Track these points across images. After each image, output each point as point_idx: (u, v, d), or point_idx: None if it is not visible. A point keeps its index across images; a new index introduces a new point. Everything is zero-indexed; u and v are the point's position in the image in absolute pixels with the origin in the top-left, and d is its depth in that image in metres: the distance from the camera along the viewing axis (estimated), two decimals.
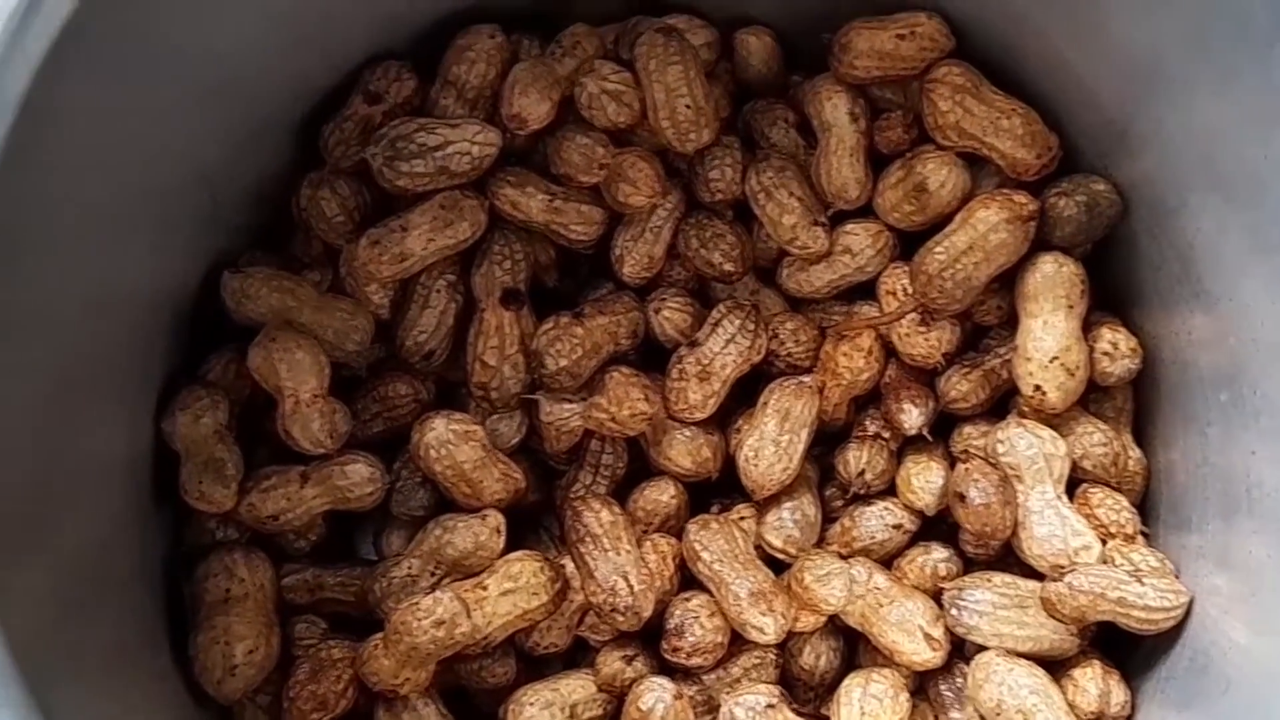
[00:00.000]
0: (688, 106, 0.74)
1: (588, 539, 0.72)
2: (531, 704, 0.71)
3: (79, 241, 0.59)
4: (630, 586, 0.71)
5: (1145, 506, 0.74)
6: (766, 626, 0.70)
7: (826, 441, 0.78)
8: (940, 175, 0.73)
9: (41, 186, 0.54)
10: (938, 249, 0.72)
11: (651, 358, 0.78)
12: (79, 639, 0.59)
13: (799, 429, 0.74)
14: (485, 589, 0.70)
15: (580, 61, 0.75)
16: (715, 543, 0.73)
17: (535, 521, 0.79)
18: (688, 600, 0.73)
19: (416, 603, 0.68)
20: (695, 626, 0.71)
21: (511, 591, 0.71)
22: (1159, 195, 0.69)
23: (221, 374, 0.74)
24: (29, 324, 0.56)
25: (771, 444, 0.73)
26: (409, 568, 0.73)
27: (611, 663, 0.73)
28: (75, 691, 0.54)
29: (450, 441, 0.72)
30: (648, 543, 0.74)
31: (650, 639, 0.74)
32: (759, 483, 0.73)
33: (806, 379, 0.75)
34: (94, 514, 0.65)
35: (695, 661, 0.71)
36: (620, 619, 0.71)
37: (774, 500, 0.74)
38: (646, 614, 0.71)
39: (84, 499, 0.64)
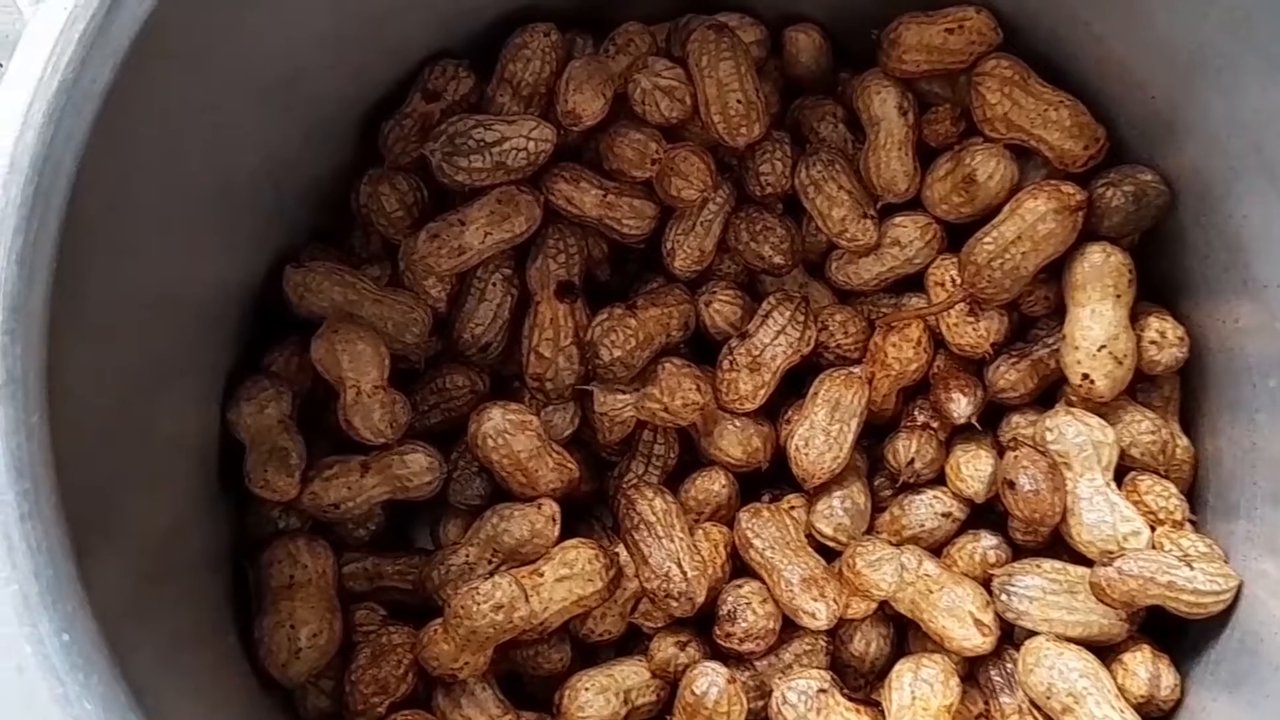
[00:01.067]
0: (739, 101, 0.75)
1: (641, 526, 0.74)
2: (587, 689, 0.73)
3: (156, 235, 0.61)
4: (684, 572, 0.72)
5: (1193, 494, 0.75)
6: (819, 612, 0.71)
7: (875, 433, 0.79)
8: (989, 167, 0.74)
9: (122, 180, 0.56)
10: (986, 239, 0.73)
11: (702, 352, 0.80)
12: (152, 619, 0.60)
13: (849, 418, 0.75)
14: (542, 575, 0.72)
15: (633, 59, 0.76)
16: (767, 530, 0.74)
17: (587, 512, 0.81)
18: (740, 587, 0.74)
19: (476, 587, 0.70)
20: (748, 613, 0.72)
21: (567, 578, 0.72)
22: (1206, 184, 0.70)
23: (285, 366, 0.76)
24: (108, 316, 0.58)
25: (822, 433, 0.74)
26: (466, 555, 0.74)
27: (665, 649, 0.74)
28: (151, 669, 0.56)
29: (507, 431, 0.74)
30: (699, 531, 0.76)
31: (703, 627, 0.75)
32: (809, 471, 0.74)
33: (856, 369, 0.76)
34: (166, 500, 0.67)
35: (747, 647, 0.72)
36: (674, 605, 0.72)
37: (824, 489, 0.76)
38: (700, 599, 0.73)
39: (157, 485, 0.66)
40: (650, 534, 0.73)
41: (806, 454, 0.74)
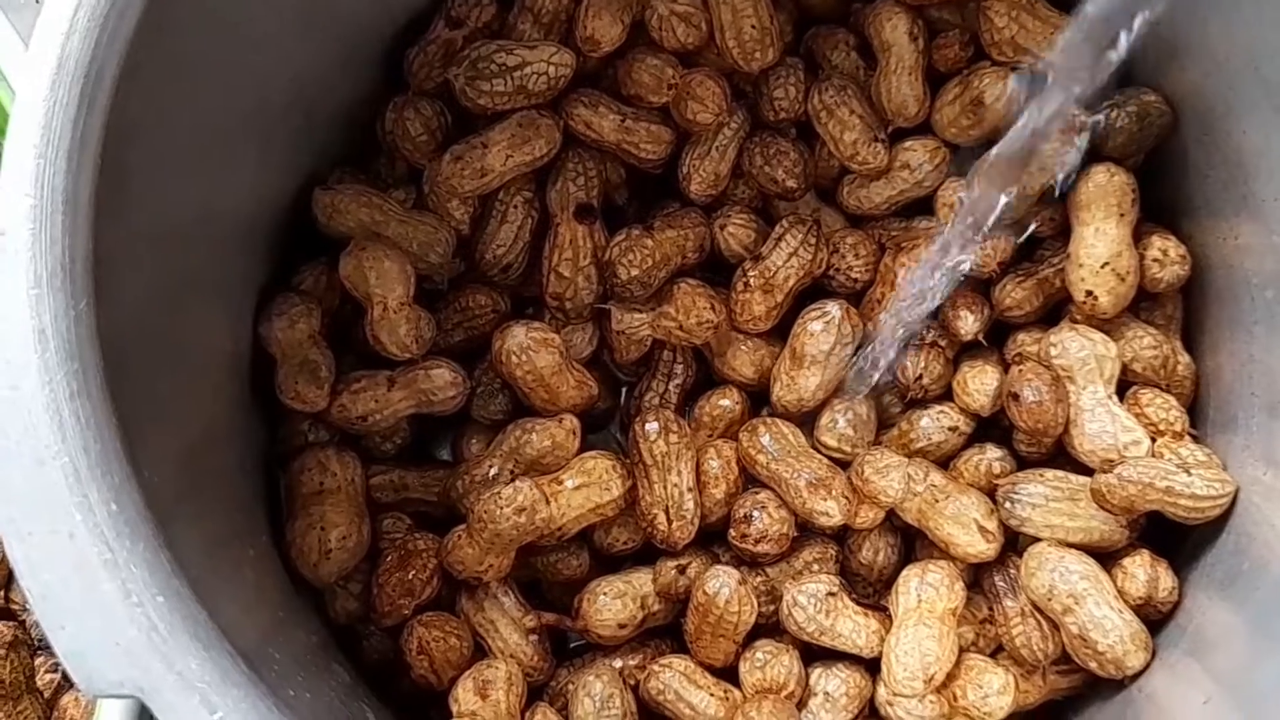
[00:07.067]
0: (753, 27, 0.77)
1: (640, 465, 0.76)
2: (605, 594, 0.76)
3: (193, 147, 0.64)
4: (668, 520, 0.75)
5: (1194, 411, 0.77)
6: (831, 510, 0.74)
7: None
8: (996, 89, 0.76)
9: (162, 89, 0.58)
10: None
11: (715, 275, 0.82)
12: (191, 516, 0.63)
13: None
14: (561, 483, 0.75)
15: None
16: (768, 443, 0.76)
17: (603, 429, 0.84)
18: (756, 494, 0.76)
19: (499, 492, 0.72)
20: (763, 515, 0.75)
21: (585, 486, 0.75)
22: (1207, 104, 0.72)
23: (314, 283, 0.78)
24: (148, 222, 0.60)
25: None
26: (489, 466, 0.77)
27: (667, 573, 0.76)
28: (191, 560, 0.58)
29: (530, 347, 0.76)
30: (711, 449, 0.78)
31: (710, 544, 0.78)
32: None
33: (833, 309, 0.77)
34: (203, 407, 0.70)
35: (762, 549, 0.75)
36: (659, 544, 0.76)
37: (826, 403, 0.78)
38: (682, 544, 0.76)
39: (192, 392, 0.69)
40: (646, 476, 0.76)
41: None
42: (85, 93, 0.53)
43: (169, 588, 0.50)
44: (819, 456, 0.76)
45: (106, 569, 0.49)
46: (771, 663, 0.73)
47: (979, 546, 0.74)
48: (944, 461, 0.78)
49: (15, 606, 0.80)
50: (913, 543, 0.79)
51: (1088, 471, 0.74)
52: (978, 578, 0.77)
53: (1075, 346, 0.74)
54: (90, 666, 0.48)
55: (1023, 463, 0.77)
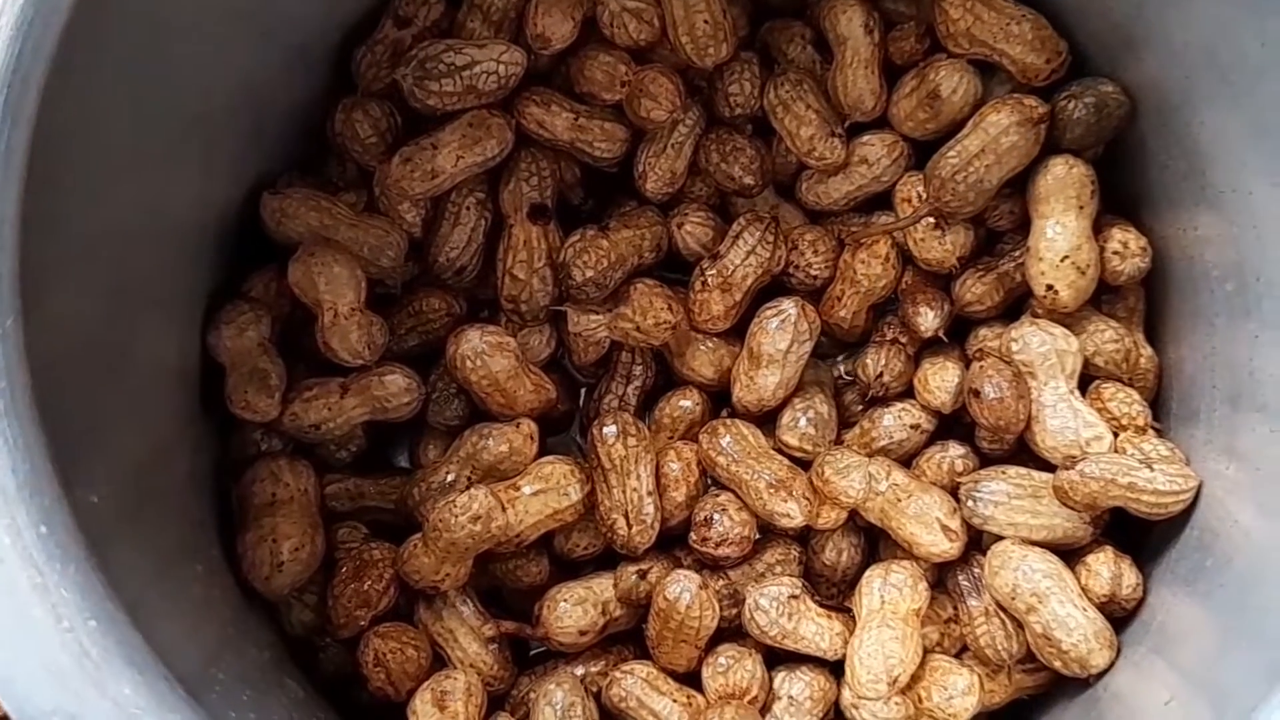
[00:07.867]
0: (706, 22, 0.76)
1: (599, 470, 0.75)
2: (565, 600, 0.75)
3: (133, 155, 0.62)
4: (628, 524, 0.74)
5: (1157, 405, 0.76)
6: (792, 511, 0.73)
7: (847, 350, 0.81)
8: (952, 82, 0.75)
9: (96, 96, 0.57)
10: (950, 153, 0.74)
11: (673, 274, 0.81)
12: (139, 535, 0.61)
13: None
14: (518, 489, 0.73)
15: None
16: (727, 445, 0.75)
17: (564, 432, 0.83)
18: (717, 496, 0.75)
19: (453, 500, 0.71)
20: (724, 518, 0.74)
21: (543, 491, 0.74)
22: (1164, 94, 0.71)
23: (263, 291, 0.77)
24: (88, 233, 0.59)
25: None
26: (446, 473, 0.76)
27: (627, 578, 0.75)
28: (140, 582, 0.57)
29: (485, 352, 0.75)
30: (671, 451, 0.77)
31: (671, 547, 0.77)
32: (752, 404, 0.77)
33: (789, 307, 0.76)
34: (149, 420, 0.68)
35: (723, 552, 0.74)
36: (620, 549, 0.75)
37: (787, 403, 0.77)
38: (642, 549, 0.75)
39: (140, 406, 0.67)
40: (604, 480, 0.75)
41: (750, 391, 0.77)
42: (10, 103, 0.51)
43: (102, 611, 0.49)
44: (779, 458, 0.75)
45: (37, 593, 0.48)
46: (734, 667, 0.72)
47: (942, 546, 0.73)
48: (906, 460, 0.77)
49: None
50: (876, 542, 0.78)
51: (1050, 468, 0.73)
52: (942, 577, 0.76)
53: (1036, 341, 0.73)
54: (20, 694, 0.47)
55: (985, 460, 0.77)
